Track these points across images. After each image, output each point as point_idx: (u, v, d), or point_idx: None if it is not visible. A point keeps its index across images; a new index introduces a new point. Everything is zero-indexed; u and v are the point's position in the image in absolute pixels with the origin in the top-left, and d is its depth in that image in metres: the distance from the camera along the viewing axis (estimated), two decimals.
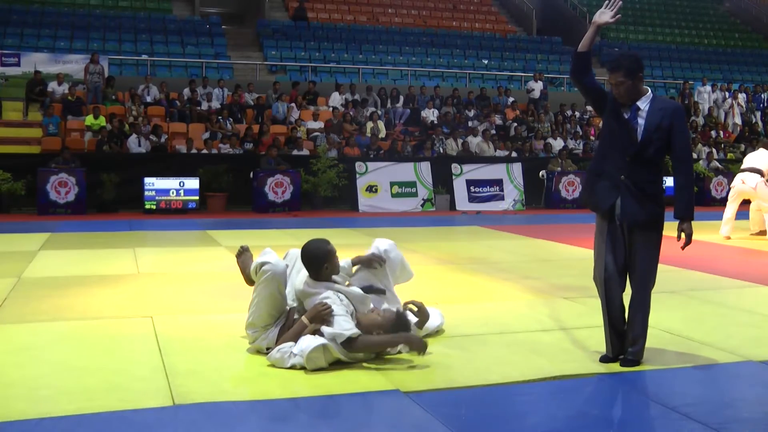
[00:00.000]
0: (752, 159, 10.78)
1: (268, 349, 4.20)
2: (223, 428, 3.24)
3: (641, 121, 4.13)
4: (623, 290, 4.25)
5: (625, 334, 4.22)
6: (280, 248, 4.91)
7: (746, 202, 11.02)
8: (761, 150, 10.92)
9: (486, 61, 23.29)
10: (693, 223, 4.32)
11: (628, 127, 4.13)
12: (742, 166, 10.88)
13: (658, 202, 4.30)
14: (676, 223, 4.37)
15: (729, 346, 4.63)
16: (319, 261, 4.31)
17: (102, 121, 15.15)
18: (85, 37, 19.83)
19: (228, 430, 3.22)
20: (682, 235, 4.30)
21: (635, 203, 4.21)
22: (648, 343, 4.31)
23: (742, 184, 10.55)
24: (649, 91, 4.23)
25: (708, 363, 4.29)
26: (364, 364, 4.14)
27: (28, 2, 20.98)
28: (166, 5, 23.12)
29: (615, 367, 4.15)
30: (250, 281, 4.57)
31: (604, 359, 4.26)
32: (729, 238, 10.49)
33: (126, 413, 3.36)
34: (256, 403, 3.54)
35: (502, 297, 6.13)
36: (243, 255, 4.82)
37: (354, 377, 3.94)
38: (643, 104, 4.16)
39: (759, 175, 10.39)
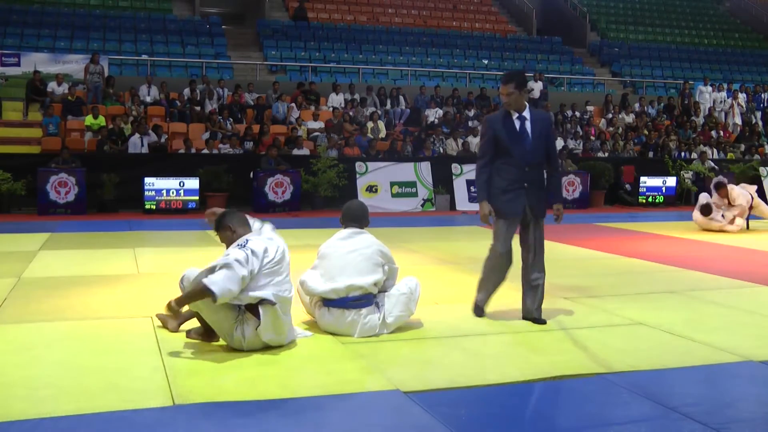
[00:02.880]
0: None
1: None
2: (223, 428, 3.24)
3: (529, 131, 5.02)
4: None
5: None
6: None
7: None
8: None
9: (486, 61, 23.28)
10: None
11: (522, 138, 5.00)
12: None
13: (544, 196, 5.21)
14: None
15: (729, 346, 4.63)
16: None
17: (102, 121, 15.15)
18: (85, 37, 19.82)
19: (228, 430, 3.22)
20: (558, 213, 5.25)
21: (537, 201, 5.14)
22: (648, 343, 4.37)
23: None
24: (527, 104, 5.09)
25: (708, 363, 4.29)
26: (365, 364, 4.14)
27: (28, 2, 20.97)
28: (166, 5, 23.11)
29: (615, 366, 4.15)
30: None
31: (479, 313, 5.28)
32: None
33: (126, 413, 3.37)
34: (256, 403, 3.54)
35: (502, 297, 6.12)
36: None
37: (354, 377, 3.94)
38: (528, 115, 5.05)
39: None
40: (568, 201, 15.80)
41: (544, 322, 5.12)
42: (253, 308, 4.32)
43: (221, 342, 4.58)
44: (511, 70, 5.16)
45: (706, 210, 11.19)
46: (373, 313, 4.76)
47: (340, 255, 4.82)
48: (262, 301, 4.30)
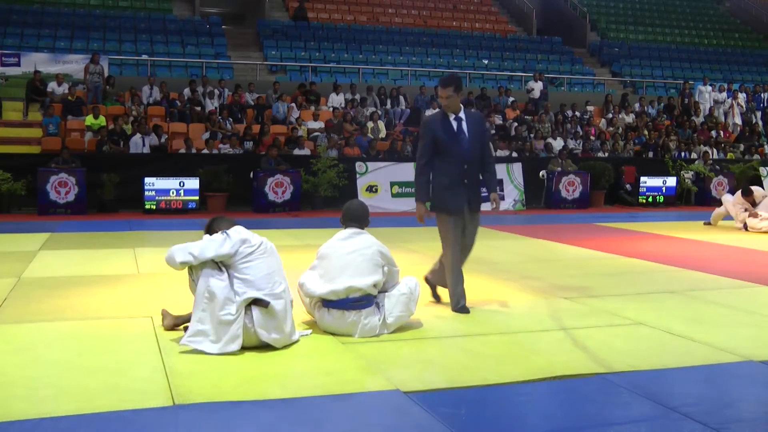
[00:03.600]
0: None
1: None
2: (223, 428, 3.24)
3: (466, 131, 5.38)
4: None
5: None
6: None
7: None
8: None
9: (486, 61, 23.28)
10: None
11: (460, 138, 5.36)
12: None
13: (480, 190, 5.59)
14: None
15: (729, 346, 4.63)
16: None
17: (102, 120, 15.15)
18: (85, 37, 19.82)
19: (228, 430, 3.22)
20: (495, 201, 5.66)
21: (475, 197, 5.52)
22: (648, 343, 4.41)
23: None
24: (462, 106, 5.47)
25: (708, 363, 4.29)
26: (364, 364, 4.14)
27: (28, 2, 20.97)
28: (166, 5, 23.11)
29: (615, 366, 4.15)
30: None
31: (461, 309, 5.42)
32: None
33: (126, 413, 3.36)
34: (256, 403, 3.53)
35: (502, 297, 6.13)
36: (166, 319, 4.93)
37: (354, 377, 3.94)
38: (463, 116, 5.41)
39: None
40: (568, 201, 15.83)
41: (468, 311, 5.44)
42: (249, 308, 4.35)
43: None
44: (449, 75, 5.50)
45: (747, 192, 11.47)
46: (374, 314, 4.75)
47: (340, 255, 4.81)
48: (256, 301, 4.31)
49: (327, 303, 4.76)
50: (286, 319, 4.45)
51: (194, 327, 4.32)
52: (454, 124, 5.40)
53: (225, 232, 4.47)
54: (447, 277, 5.50)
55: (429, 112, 18.06)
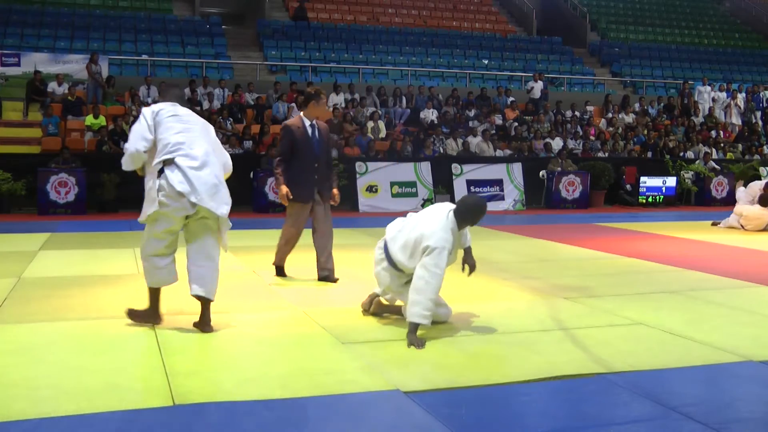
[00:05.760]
0: None
1: None
2: (223, 428, 3.24)
3: (318, 137, 6.56)
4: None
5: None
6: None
7: None
8: None
9: (486, 61, 23.28)
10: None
11: (314, 142, 6.52)
12: None
13: (329, 184, 6.66)
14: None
15: (729, 346, 4.63)
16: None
17: (102, 120, 15.14)
18: (85, 37, 19.82)
19: (228, 430, 3.23)
20: (335, 196, 6.69)
21: (323, 189, 6.60)
22: (648, 343, 4.42)
23: None
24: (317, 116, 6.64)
25: (708, 363, 4.29)
26: (364, 364, 4.14)
27: (28, 2, 20.97)
28: (166, 5, 23.10)
29: (615, 366, 4.16)
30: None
31: (281, 272, 6.89)
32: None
33: (126, 413, 3.37)
34: (256, 403, 3.54)
35: (502, 297, 6.13)
36: None
37: (354, 377, 3.94)
38: (315, 123, 6.57)
39: None
40: (568, 201, 15.83)
41: (336, 280, 6.62)
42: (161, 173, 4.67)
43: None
44: (317, 89, 6.76)
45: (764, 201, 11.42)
46: (387, 270, 4.99)
47: (408, 223, 5.10)
48: (166, 162, 4.64)
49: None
50: (203, 182, 4.62)
51: None
52: (309, 130, 6.54)
53: (141, 111, 4.85)
54: (279, 243, 6.75)
55: (426, 112, 18.10)
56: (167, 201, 4.62)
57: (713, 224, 12.03)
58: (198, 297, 4.80)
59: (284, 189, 6.44)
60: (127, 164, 4.84)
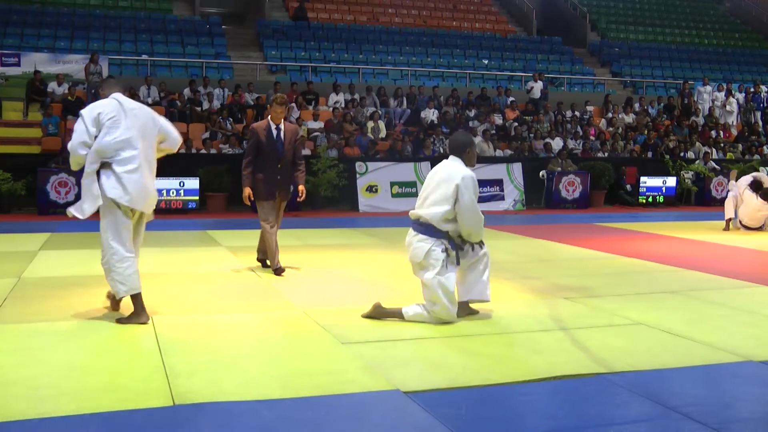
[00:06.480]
0: None
1: None
2: (223, 428, 3.24)
3: (283, 138, 6.92)
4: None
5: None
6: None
7: None
8: None
9: (486, 61, 23.27)
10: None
11: (277, 144, 6.89)
12: None
13: (291, 184, 7.11)
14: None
15: (729, 346, 4.63)
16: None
17: None
18: (85, 37, 19.81)
19: (228, 430, 3.22)
20: (302, 193, 7.12)
21: (286, 189, 7.06)
22: (648, 343, 4.43)
23: None
24: (284, 119, 7.03)
25: (708, 363, 4.29)
26: (364, 364, 4.14)
27: (28, 2, 20.97)
28: (166, 5, 23.10)
29: (615, 366, 4.16)
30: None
31: (280, 271, 6.93)
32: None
33: (126, 413, 3.37)
34: (256, 403, 3.54)
35: (502, 297, 6.13)
36: None
37: (354, 377, 3.94)
38: (282, 126, 6.94)
39: None
40: (568, 201, 15.83)
41: (283, 271, 6.93)
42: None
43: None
44: (281, 95, 7.09)
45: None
46: (425, 242, 5.10)
47: (427, 184, 5.24)
48: (103, 165, 4.84)
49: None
50: (136, 185, 4.89)
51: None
52: (275, 132, 6.90)
53: (80, 113, 4.92)
54: (267, 245, 7.02)
55: (426, 112, 18.10)
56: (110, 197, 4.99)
57: (725, 230, 11.57)
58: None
59: (247, 191, 6.89)
60: (73, 165, 5.05)
